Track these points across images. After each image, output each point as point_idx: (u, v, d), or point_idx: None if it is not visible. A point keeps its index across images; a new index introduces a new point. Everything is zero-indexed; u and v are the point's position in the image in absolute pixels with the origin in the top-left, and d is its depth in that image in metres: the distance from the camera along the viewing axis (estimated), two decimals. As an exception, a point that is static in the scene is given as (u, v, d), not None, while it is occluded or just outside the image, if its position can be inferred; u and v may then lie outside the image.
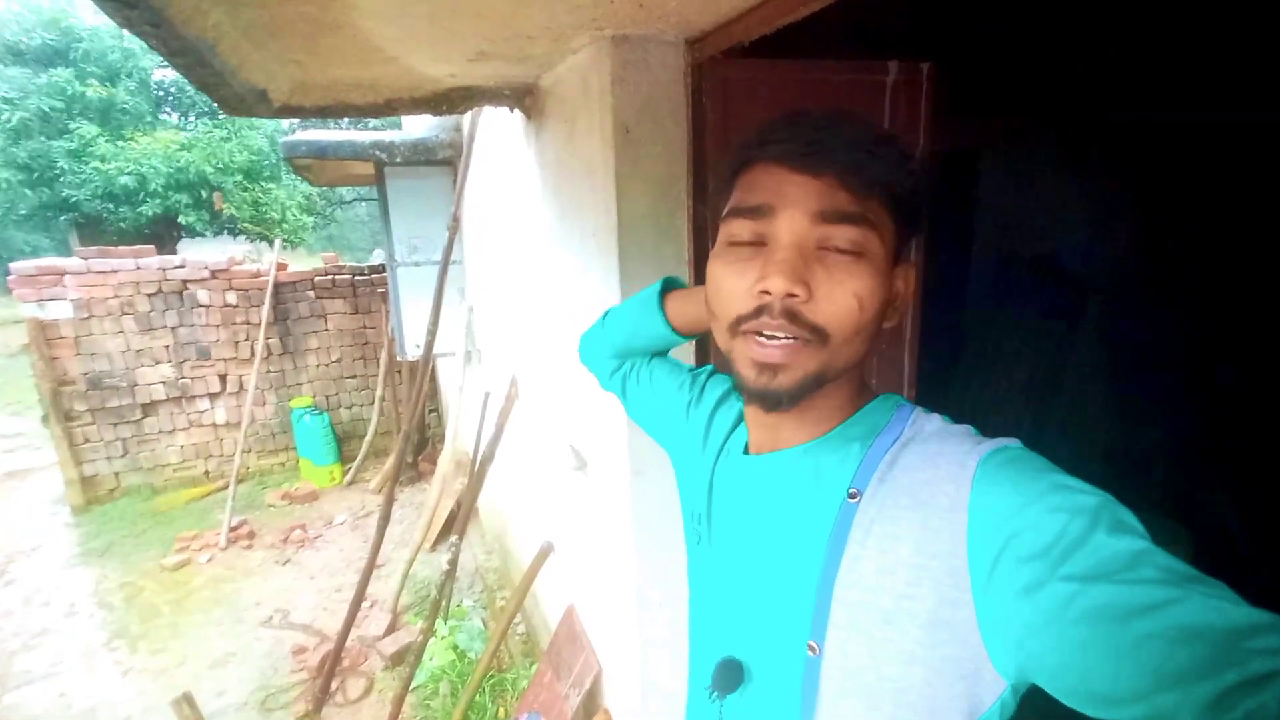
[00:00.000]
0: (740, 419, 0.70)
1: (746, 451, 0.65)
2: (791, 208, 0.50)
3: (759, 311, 0.51)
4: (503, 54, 1.40)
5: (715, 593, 0.66)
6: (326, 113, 1.69)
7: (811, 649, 0.52)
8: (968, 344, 3.30)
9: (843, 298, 0.50)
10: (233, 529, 4.02)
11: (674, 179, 1.37)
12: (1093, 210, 2.97)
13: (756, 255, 0.52)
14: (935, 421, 0.55)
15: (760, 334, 0.51)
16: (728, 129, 1.35)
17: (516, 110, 1.89)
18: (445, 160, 3.30)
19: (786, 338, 0.50)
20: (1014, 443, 0.50)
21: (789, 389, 0.52)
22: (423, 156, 3.17)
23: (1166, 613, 0.36)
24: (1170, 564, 0.39)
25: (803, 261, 0.50)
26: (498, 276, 2.84)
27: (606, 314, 0.93)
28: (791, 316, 0.50)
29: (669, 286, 0.84)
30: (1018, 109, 2.64)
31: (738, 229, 0.53)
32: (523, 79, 1.69)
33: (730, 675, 0.59)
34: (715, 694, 0.59)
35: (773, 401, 0.53)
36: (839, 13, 1.24)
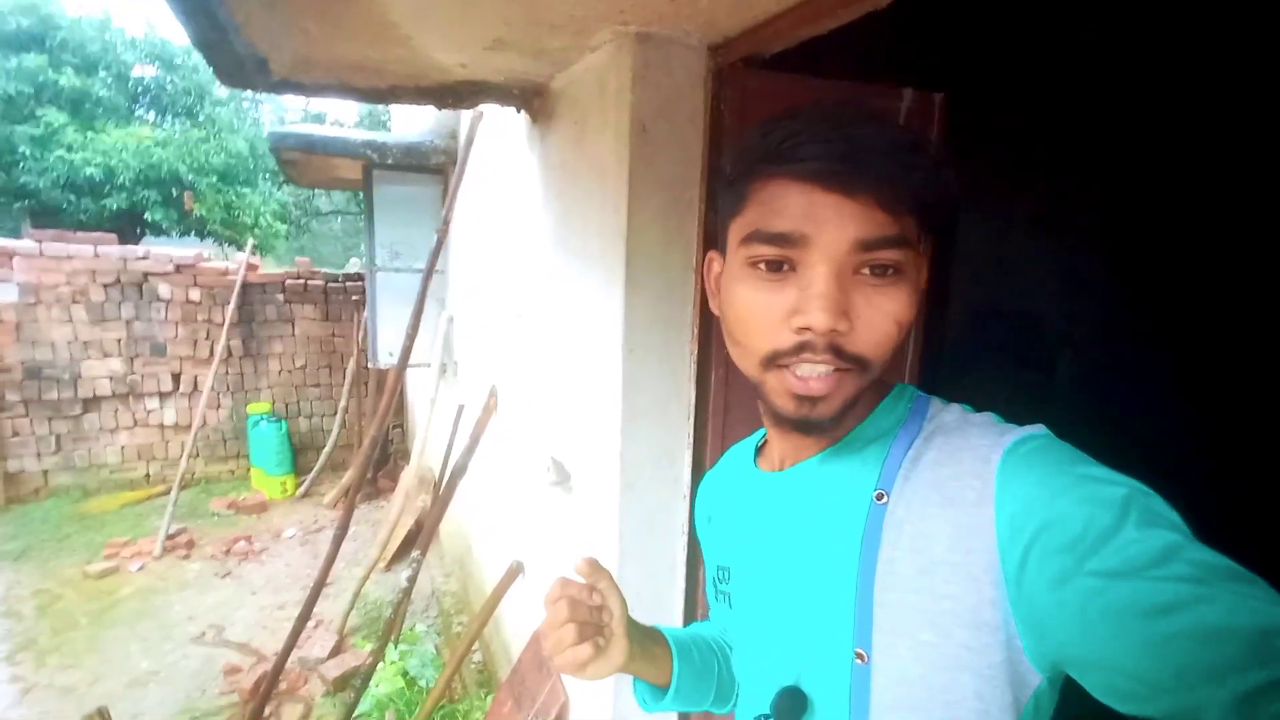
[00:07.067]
0: (736, 454, 0.71)
1: (759, 468, 0.66)
2: (827, 236, 0.46)
3: (800, 348, 0.48)
4: (521, 44, 1.38)
5: (757, 624, 0.62)
6: (325, 91, 1.63)
7: (860, 657, 0.50)
8: (940, 390, 3.34)
9: (883, 324, 0.48)
10: (170, 537, 3.74)
11: (688, 184, 1.34)
12: (1064, 269, 3.08)
13: (785, 281, 0.49)
14: (954, 412, 0.54)
15: (799, 367, 0.49)
16: (743, 138, 1.34)
17: (522, 112, 1.86)
18: (436, 167, 3.26)
19: (828, 370, 0.48)
20: (1039, 430, 0.48)
21: (830, 417, 0.50)
22: (415, 161, 3.12)
23: (1194, 610, 0.35)
24: (1204, 558, 0.38)
25: (842, 292, 0.47)
26: (483, 286, 2.77)
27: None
28: (836, 351, 0.48)
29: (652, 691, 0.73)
30: (1002, 165, 2.74)
31: (762, 252, 0.49)
32: (535, 77, 1.67)
33: (793, 703, 0.55)
34: None
35: (813, 429, 0.52)
36: (860, 35, 1.26)
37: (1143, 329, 2.78)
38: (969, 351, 3.28)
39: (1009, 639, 0.44)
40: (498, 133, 2.37)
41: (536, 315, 1.99)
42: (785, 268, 0.49)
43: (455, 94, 1.72)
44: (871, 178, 0.45)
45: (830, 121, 0.47)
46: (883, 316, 0.48)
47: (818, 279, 0.47)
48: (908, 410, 0.55)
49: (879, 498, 0.51)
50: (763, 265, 0.49)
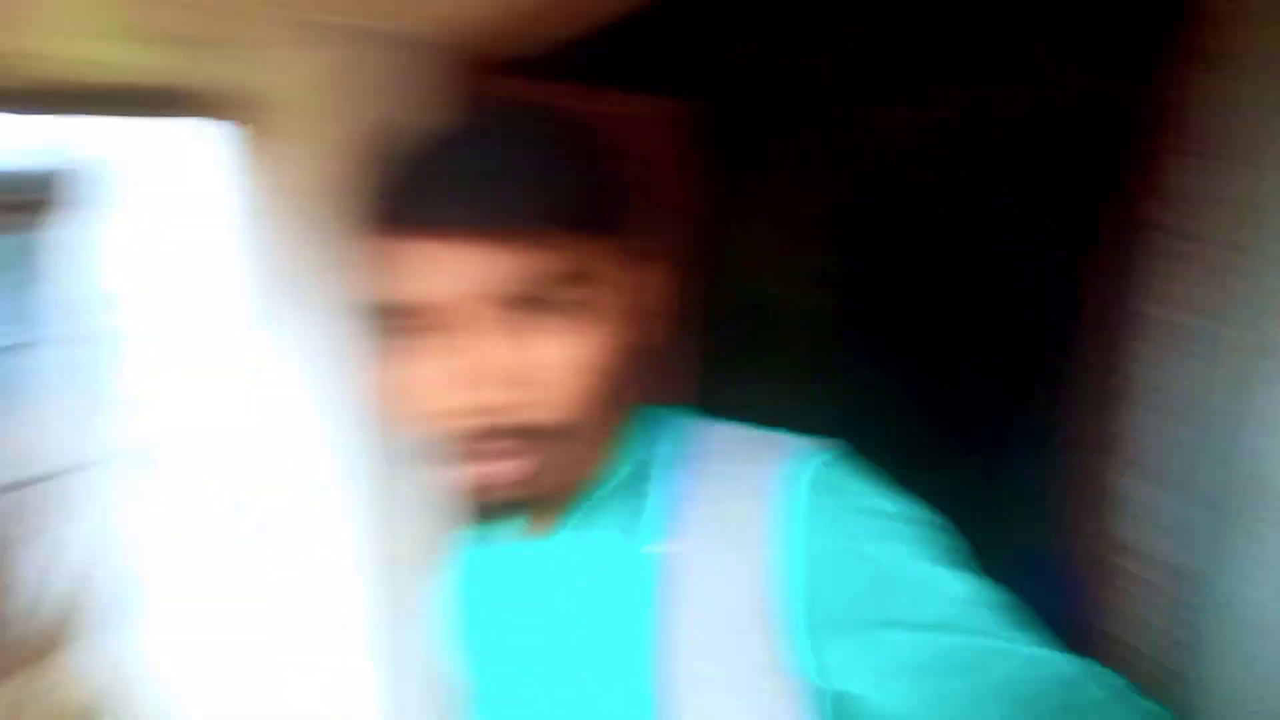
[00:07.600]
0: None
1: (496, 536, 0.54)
2: (458, 299, 0.39)
3: (464, 434, 0.41)
4: (180, 35, 1.05)
5: None
6: None
7: None
8: (712, 376, 3.53)
9: (561, 377, 0.41)
10: None
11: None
12: (804, 259, 3.53)
13: (435, 345, 0.42)
14: (721, 432, 0.49)
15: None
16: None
17: (220, 126, 1.46)
18: (56, 203, 2.42)
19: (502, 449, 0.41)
20: (818, 448, 0.45)
21: (528, 498, 0.44)
22: (17, 197, 2.26)
23: (999, 667, 0.36)
24: (993, 598, 0.39)
25: (498, 349, 0.40)
26: (173, 352, 2.15)
27: None
28: (501, 431, 0.41)
29: None
30: (753, 165, 2.98)
31: (400, 324, 0.42)
32: (216, 81, 1.31)
33: None
34: None
35: (520, 513, 0.46)
36: (627, 41, 1.26)
37: (875, 316, 3.22)
38: (734, 342, 3.53)
39: (806, 681, 0.42)
40: (176, 156, 1.85)
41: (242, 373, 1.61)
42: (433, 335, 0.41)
43: (94, 101, 1.26)
44: (496, 212, 0.38)
45: (435, 145, 0.41)
46: (556, 365, 0.41)
47: (458, 350, 0.40)
48: (667, 438, 0.49)
49: (651, 548, 0.45)
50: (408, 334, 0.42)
